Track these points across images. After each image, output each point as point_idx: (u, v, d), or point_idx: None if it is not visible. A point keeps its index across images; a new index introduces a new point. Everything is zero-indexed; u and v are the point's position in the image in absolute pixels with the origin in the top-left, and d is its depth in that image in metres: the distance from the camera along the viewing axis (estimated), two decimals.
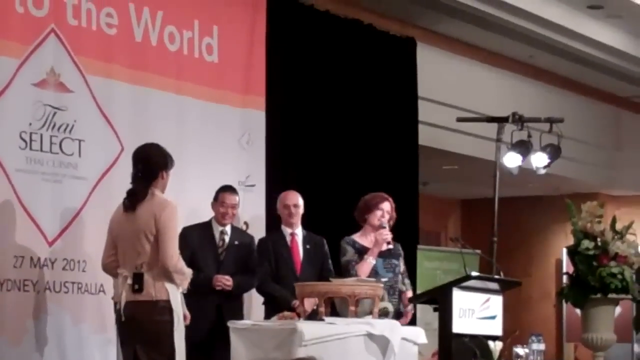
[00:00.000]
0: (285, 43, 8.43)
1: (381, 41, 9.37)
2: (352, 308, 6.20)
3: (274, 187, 7.90)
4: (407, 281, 7.35)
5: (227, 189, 7.16)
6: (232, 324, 6.23)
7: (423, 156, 9.73)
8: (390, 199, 7.37)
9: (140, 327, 5.76)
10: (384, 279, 6.99)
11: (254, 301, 7.56)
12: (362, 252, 7.15)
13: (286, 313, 6.28)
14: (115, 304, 5.89)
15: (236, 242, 7.14)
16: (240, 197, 7.68)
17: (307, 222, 7.45)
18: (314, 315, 6.21)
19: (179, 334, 5.78)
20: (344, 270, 7.12)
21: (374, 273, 7.14)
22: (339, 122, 8.89)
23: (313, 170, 8.54)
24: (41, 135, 6.56)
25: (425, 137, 9.82)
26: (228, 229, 7.15)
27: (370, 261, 7.12)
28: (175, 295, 5.80)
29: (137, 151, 6.01)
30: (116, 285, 5.91)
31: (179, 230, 6.06)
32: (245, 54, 7.99)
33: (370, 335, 6.12)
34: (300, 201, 7.29)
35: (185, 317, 6.01)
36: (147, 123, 7.19)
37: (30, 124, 6.51)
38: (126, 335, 5.85)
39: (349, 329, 6.05)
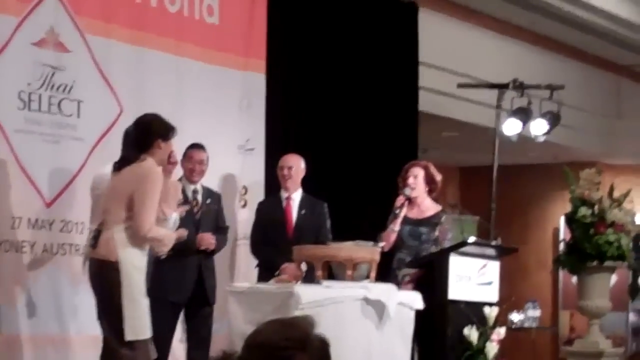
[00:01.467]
0: (287, 6, 8.39)
1: (383, 5, 9.32)
2: (349, 272, 6.22)
3: (274, 151, 7.88)
4: (433, 248, 7.18)
5: (195, 146, 7.04)
6: (230, 287, 6.27)
7: (423, 122, 9.71)
8: (421, 164, 7.37)
9: (94, 287, 5.77)
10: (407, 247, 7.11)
11: (242, 263, 7.59)
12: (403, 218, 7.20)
13: (283, 276, 6.29)
14: None
15: (208, 201, 7.08)
16: (240, 161, 7.68)
17: (307, 186, 7.45)
18: (311, 279, 6.23)
19: (131, 301, 5.67)
20: None
21: (400, 240, 7.17)
22: (339, 86, 8.86)
23: (313, 134, 8.52)
24: (40, 96, 6.54)
25: (426, 103, 9.79)
26: (199, 187, 7.06)
27: (390, 228, 7.10)
28: (129, 259, 5.67)
29: (138, 119, 5.95)
30: None
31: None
32: (246, 16, 7.94)
33: (366, 300, 6.14)
34: (298, 164, 7.25)
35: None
36: (146, 85, 7.16)
37: (29, 84, 6.49)
38: (92, 290, 5.91)
39: (345, 292, 6.07)
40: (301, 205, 7.25)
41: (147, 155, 5.75)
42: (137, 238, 5.65)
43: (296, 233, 7.16)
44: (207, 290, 6.93)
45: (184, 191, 6.98)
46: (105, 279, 5.65)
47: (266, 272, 6.81)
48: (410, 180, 7.24)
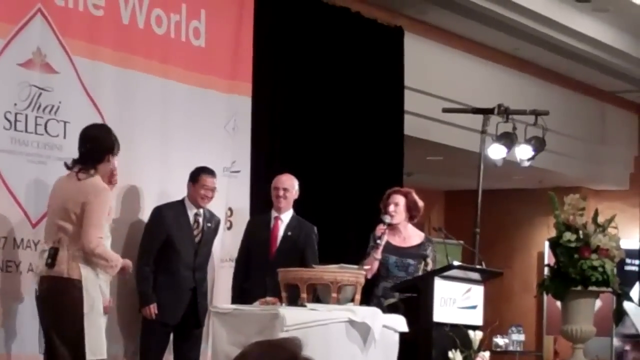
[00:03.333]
0: (273, 29, 8.42)
1: (369, 30, 9.37)
2: (334, 295, 6.22)
3: (259, 174, 7.90)
4: None
5: (207, 171, 7.08)
6: (214, 308, 6.26)
7: (408, 146, 9.74)
8: (403, 191, 7.35)
9: (49, 304, 5.74)
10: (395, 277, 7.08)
11: (223, 285, 7.59)
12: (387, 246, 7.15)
13: (268, 298, 6.29)
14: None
15: (208, 224, 7.12)
16: (225, 183, 7.67)
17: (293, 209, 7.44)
18: (295, 301, 6.23)
19: (93, 321, 5.68)
20: None
21: (385, 270, 7.15)
22: (325, 110, 8.88)
23: (298, 158, 8.53)
24: (26, 116, 6.53)
25: (411, 127, 9.83)
26: (201, 210, 7.09)
27: (372, 256, 7.08)
28: (91, 279, 5.70)
29: (86, 130, 5.99)
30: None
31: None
32: (232, 39, 7.96)
33: (351, 322, 6.14)
34: (293, 186, 7.26)
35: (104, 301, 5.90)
36: (132, 107, 7.16)
37: (16, 105, 6.47)
38: (40, 312, 5.86)
39: (330, 315, 6.06)
40: (288, 227, 7.26)
41: (95, 170, 5.80)
42: (85, 254, 5.67)
43: (278, 254, 7.18)
44: (199, 312, 6.96)
45: (186, 212, 7.01)
46: (66, 297, 5.66)
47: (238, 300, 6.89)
48: (391, 208, 7.23)
